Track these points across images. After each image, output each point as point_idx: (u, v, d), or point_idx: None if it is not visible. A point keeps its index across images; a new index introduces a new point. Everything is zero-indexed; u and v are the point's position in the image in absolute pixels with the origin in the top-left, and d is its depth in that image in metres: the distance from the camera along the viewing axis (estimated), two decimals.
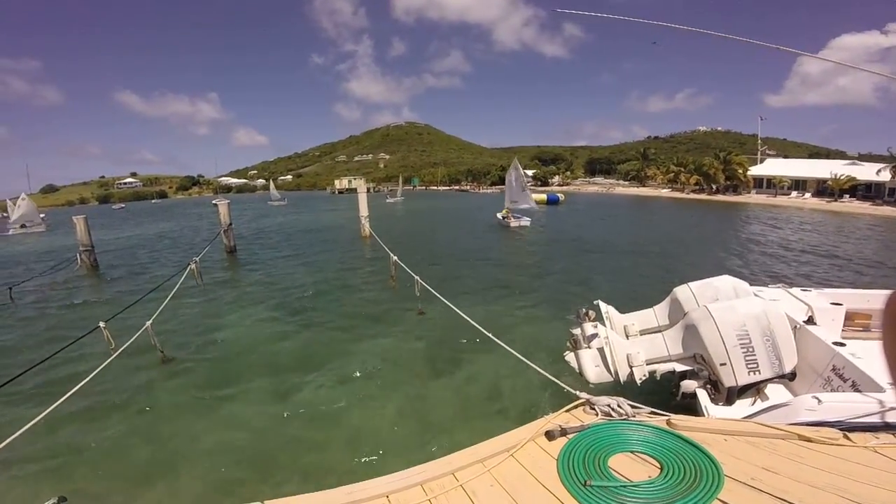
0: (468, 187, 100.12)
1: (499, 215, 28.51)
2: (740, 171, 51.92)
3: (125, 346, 6.46)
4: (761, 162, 58.08)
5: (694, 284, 5.24)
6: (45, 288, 14.80)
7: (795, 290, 5.75)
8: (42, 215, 45.58)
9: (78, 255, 17.87)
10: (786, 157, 73.42)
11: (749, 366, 4.19)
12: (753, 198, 48.02)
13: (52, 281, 15.77)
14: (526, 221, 26.24)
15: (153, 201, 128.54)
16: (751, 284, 5.50)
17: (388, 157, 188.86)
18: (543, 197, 50.16)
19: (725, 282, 5.25)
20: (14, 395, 6.34)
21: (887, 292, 0.77)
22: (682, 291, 5.26)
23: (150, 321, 7.46)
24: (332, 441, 5.22)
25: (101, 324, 7.11)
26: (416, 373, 6.90)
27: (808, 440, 2.72)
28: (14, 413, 5.95)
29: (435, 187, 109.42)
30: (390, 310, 10.23)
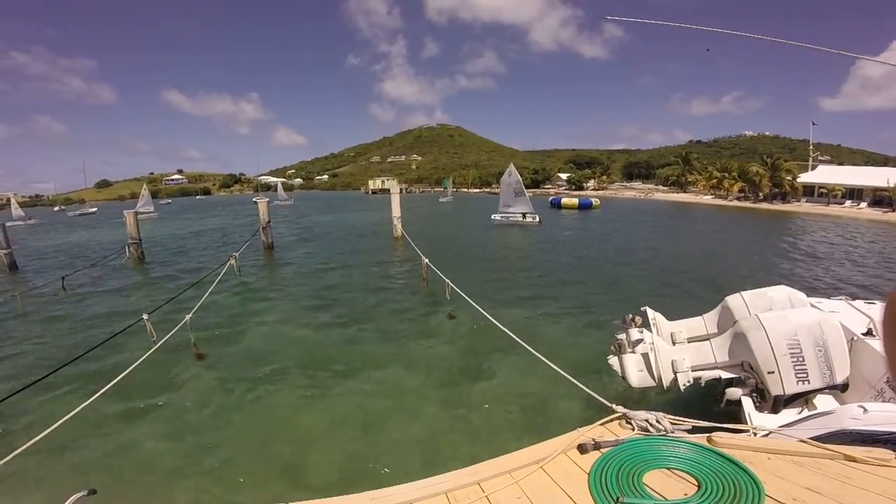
0: (499, 190, 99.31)
1: (495, 217, 30.23)
2: (789, 178, 49.23)
3: (165, 338, 6.71)
4: (812, 169, 54.89)
5: (747, 293, 5.14)
6: (95, 278, 15.74)
7: (858, 303, 5.52)
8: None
9: (126, 247, 18.97)
10: (840, 163, 69.04)
11: (798, 375, 4.09)
12: (803, 206, 45.40)
13: (102, 272, 16.76)
14: (532, 220, 28.03)
15: (198, 197, 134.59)
16: (809, 296, 5.27)
17: (419, 158, 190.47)
18: (575, 202, 49.26)
19: (780, 292, 5.11)
20: (58, 384, 6.60)
21: None
22: (733, 300, 5.16)
23: (190, 315, 7.76)
24: (357, 443, 5.26)
25: (144, 316, 7.45)
26: (443, 379, 6.88)
27: (856, 461, 2.57)
28: (57, 402, 6.21)
29: (466, 189, 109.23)
30: (421, 313, 10.29)
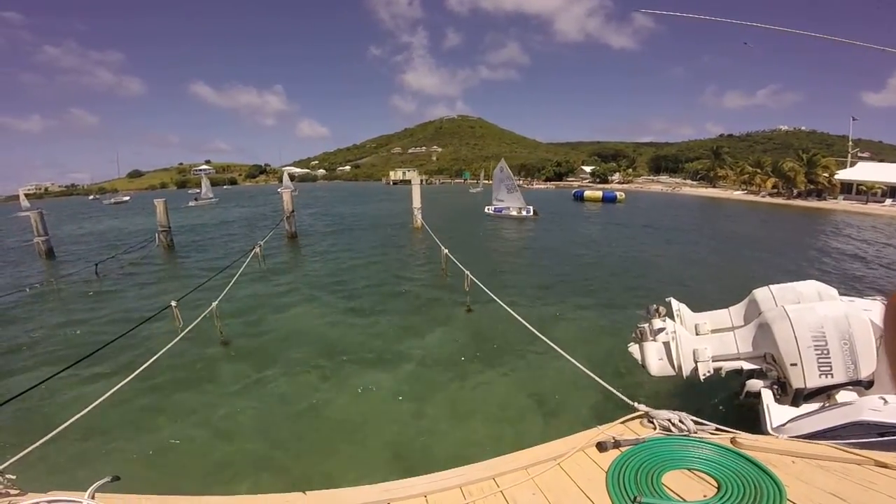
0: (521, 182, 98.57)
1: (488, 209, 30.97)
2: (826, 174, 47.06)
3: (191, 325, 6.88)
4: (851, 165, 52.29)
5: (775, 287, 5.01)
6: (126, 265, 16.31)
7: None
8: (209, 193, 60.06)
9: (156, 234, 19.59)
10: (881, 160, 65.54)
11: (821, 368, 3.99)
12: (840, 204, 43.39)
13: (133, 259, 17.33)
14: (526, 213, 28.53)
15: (224, 187, 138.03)
16: (841, 294, 5.08)
17: (440, 149, 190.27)
18: (598, 194, 48.38)
19: (810, 286, 4.97)
20: (88, 370, 6.81)
21: None
22: (761, 293, 5.04)
23: (216, 302, 7.94)
24: (373, 433, 5.30)
25: (173, 303, 7.64)
26: (461, 372, 6.86)
27: (885, 466, 2.48)
28: (85, 388, 6.41)
29: (487, 181, 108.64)
30: (439, 304, 10.29)
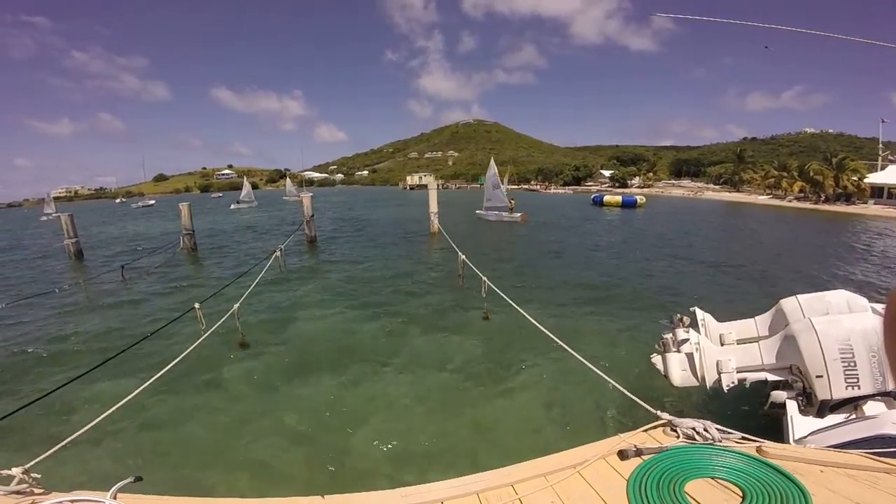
0: (537, 187, 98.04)
1: (479, 212, 31.72)
2: (855, 178, 45.50)
3: (214, 327, 7.00)
4: (882, 169, 50.44)
5: (803, 297, 4.91)
6: (151, 267, 16.77)
7: None
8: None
9: (181, 237, 20.11)
10: None
11: (848, 380, 3.93)
12: (871, 209, 41.82)
13: (158, 261, 17.81)
14: (512, 217, 29.46)
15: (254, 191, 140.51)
16: (875, 301, 4.93)
17: (456, 154, 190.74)
18: (618, 199, 47.76)
19: (839, 296, 4.85)
20: (114, 370, 6.89)
21: None
22: (788, 303, 4.94)
23: (237, 305, 8.07)
24: (390, 439, 5.30)
25: (196, 305, 7.78)
26: (479, 378, 6.82)
27: None
28: (110, 389, 6.53)
29: (512, 186, 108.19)
30: (456, 309, 10.27)
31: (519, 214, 29.43)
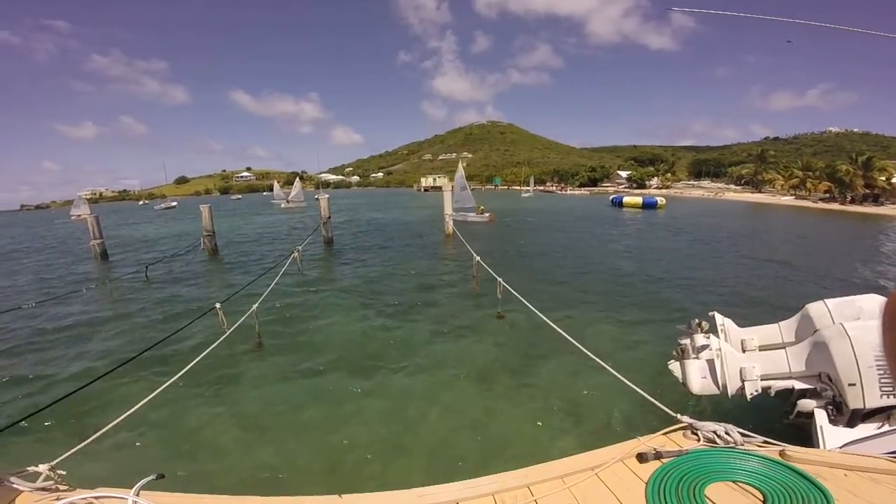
0: (553, 188, 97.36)
1: (451, 213, 32.61)
2: (883, 177, 44.04)
3: (234, 326, 7.13)
4: None
5: (831, 301, 4.68)
6: (173, 268, 17.15)
7: None
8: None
9: (202, 238, 20.55)
10: None
11: (883, 388, 3.76)
12: None
13: (180, 262, 18.21)
14: (481, 218, 30.64)
15: (264, 193, 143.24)
16: None
17: (470, 155, 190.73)
18: (638, 200, 47.10)
19: (871, 301, 4.61)
20: (137, 369, 7.07)
21: None
22: (815, 308, 4.71)
23: (256, 305, 8.19)
24: (403, 440, 5.30)
25: (217, 305, 7.90)
26: (494, 379, 6.79)
27: None
28: (134, 387, 6.67)
29: (518, 187, 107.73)
30: (471, 311, 10.24)
31: (487, 215, 31.03)
